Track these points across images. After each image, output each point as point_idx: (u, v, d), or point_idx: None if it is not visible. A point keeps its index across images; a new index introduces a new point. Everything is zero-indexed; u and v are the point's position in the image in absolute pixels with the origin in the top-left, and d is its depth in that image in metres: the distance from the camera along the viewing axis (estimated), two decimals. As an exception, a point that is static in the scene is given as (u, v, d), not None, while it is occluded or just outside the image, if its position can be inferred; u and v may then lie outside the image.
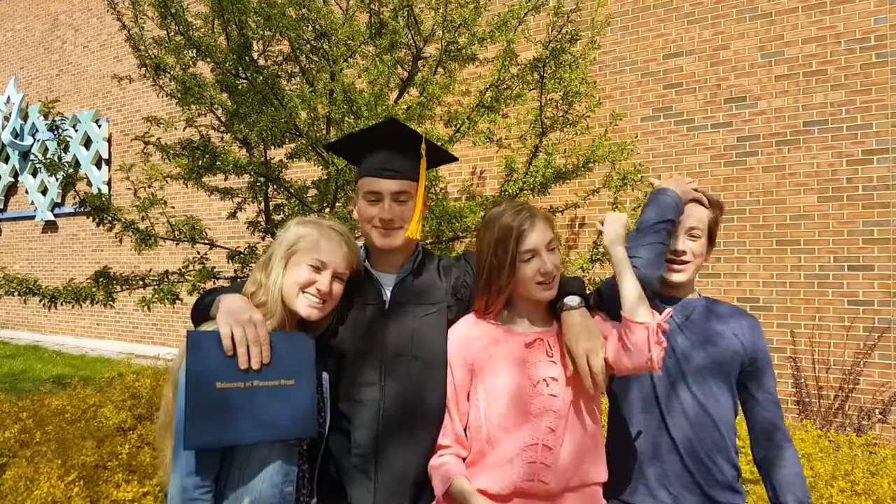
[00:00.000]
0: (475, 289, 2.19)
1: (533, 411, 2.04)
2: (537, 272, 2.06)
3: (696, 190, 2.30)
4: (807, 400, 6.46)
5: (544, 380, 2.07)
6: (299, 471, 2.03)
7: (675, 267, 2.24)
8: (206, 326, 1.96)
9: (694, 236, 2.26)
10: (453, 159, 2.52)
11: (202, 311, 2.05)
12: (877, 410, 6.15)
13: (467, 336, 2.16)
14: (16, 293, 4.60)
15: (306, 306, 2.04)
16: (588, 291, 2.25)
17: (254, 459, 1.91)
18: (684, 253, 2.23)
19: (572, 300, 2.10)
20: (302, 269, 2.04)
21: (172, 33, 4.66)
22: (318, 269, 2.05)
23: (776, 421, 2.23)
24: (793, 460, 2.20)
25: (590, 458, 2.11)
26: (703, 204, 2.29)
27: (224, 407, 1.84)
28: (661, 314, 2.00)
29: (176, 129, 5.10)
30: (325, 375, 2.14)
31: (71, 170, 4.80)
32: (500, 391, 2.06)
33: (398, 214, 2.19)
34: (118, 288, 4.86)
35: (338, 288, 2.09)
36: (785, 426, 2.26)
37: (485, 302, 2.14)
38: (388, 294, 2.24)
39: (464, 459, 2.11)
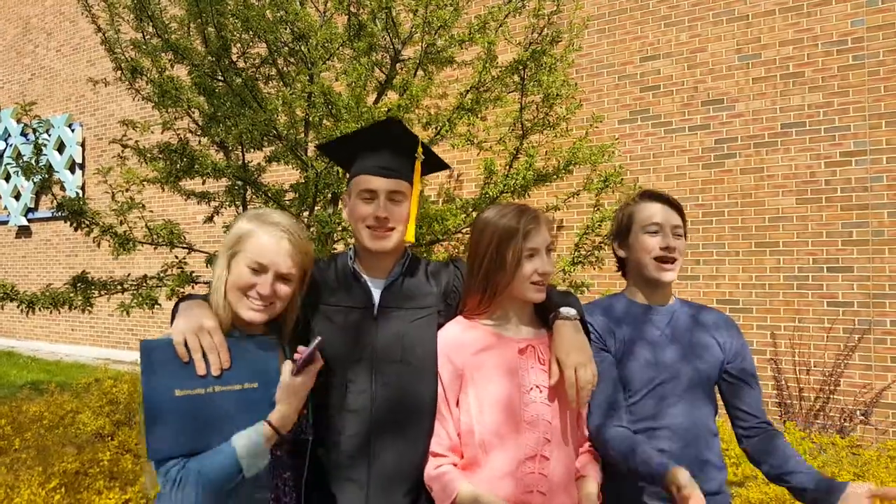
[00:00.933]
0: (467, 288, 2.16)
1: (527, 419, 2.02)
2: (535, 272, 2.06)
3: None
4: (788, 402, 6.50)
5: (537, 387, 2.05)
6: (280, 479, 1.98)
7: (667, 266, 2.23)
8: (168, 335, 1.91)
9: (678, 235, 2.25)
10: (447, 167, 2.52)
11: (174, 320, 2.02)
12: (858, 412, 6.20)
13: (458, 340, 2.12)
14: (-8, 299, 4.52)
15: (248, 310, 1.94)
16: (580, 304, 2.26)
17: None
18: (674, 250, 2.22)
19: (568, 311, 2.10)
20: (242, 270, 1.94)
21: (149, 36, 4.59)
22: (257, 270, 1.94)
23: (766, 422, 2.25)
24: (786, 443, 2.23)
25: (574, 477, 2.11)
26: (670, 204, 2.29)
27: (185, 414, 1.80)
28: (653, 324, 2.13)
29: (152, 132, 5.03)
30: None
31: (46, 174, 4.72)
32: (493, 398, 2.03)
33: (392, 214, 2.18)
34: (96, 293, 4.78)
35: (283, 289, 1.97)
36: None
37: (479, 300, 2.12)
38: (377, 298, 2.22)
39: (456, 464, 2.08)
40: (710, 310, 2.37)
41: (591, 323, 2.26)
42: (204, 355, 1.85)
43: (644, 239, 2.26)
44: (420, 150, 2.24)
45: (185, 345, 1.84)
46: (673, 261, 2.23)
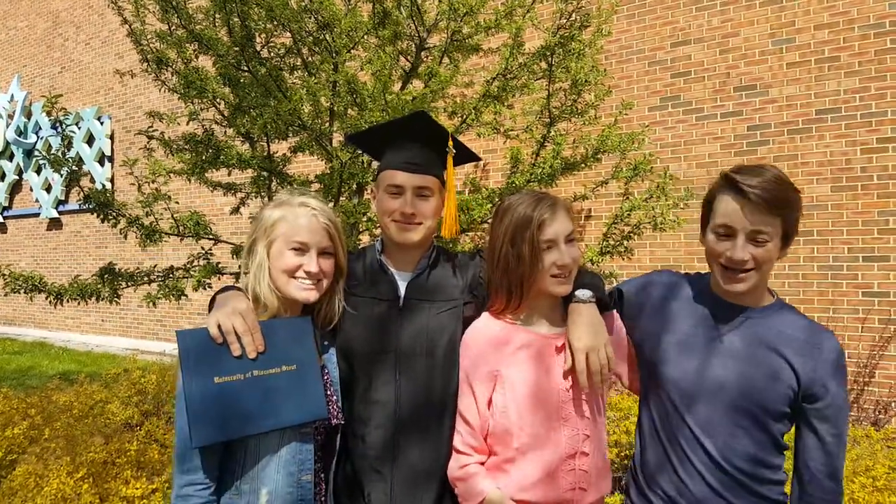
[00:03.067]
0: (489, 282, 2.10)
1: (564, 416, 1.97)
2: (553, 264, 1.97)
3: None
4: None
5: (576, 384, 1.99)
6: (320, 463, 2.00)
7: (736, 276, 1.87)
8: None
9: (760, 241, 1.83)
10: (477, 159, 2.48)
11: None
12: (894, 404, 6.06)
13: (489, 339, 2.05)
14: (22, 290, 4.60)
15: (301, 290, 1.99)
16: (608, 289, 2.16)
17: (265, 450, 1.89)
18: (744, 262, 1.84)
19: (583, 293, 2.02)
20: (285, 255, 1.98)
21: (174, 27, 4.59)
22: (300, 250, 1.99)
23: None
24: None
25: (605, 469, 2.09)
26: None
27: (226, 401, 1.82)
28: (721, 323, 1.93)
29: (178, 124, 5.04)
30: (329, 357, 2.10)
31: (74, 166, 4.75)
32: (530, 398, 1.97)
33: (419, 209, 2.16)
34: (123, 284, 4.82)
35: (327, 264, 2.03)
36: None
37: (506, 299, 2.03)
38: (403, 291, 2.21)
39: (482, 463, 2.04)
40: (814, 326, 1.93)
41: (628, 291, 2.13)
42: (239, 339, 1.87)
43: (711, 240, 1.91)
44: (451, 143, 2.20)
45: (219, 329, 1.86)
46: (745, 271, 1.85)
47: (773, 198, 1.78)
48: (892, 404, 6.08)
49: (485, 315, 2.11)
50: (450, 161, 2.22)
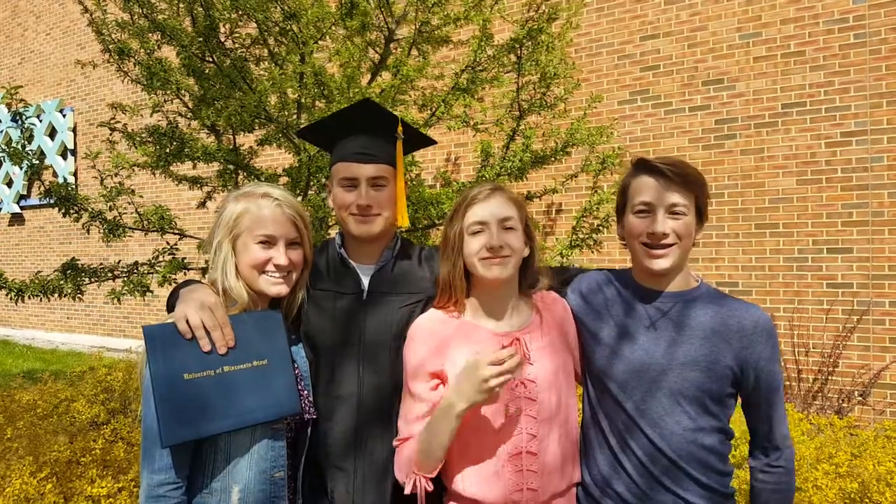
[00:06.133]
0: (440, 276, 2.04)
1: (511, 416, 1.90)
2: (483, 247, 1.90)
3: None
4: (786, 383, 6.46)
5: (522, 382, 1.92)
6: (292, 460, 1.97)
7: (657, 252, 1.90)
8: (169, 319, 1.87)
9: (676, 214, 1.89)
10: (431, 142, 2.42)
11: (171, 306, 1.97)
12: (856, 393, 6.17)
13: (433, 334, 1.98)
14: (-19, 287, 4.46)
15: (272, 285, 1.95)
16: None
17: (236, 448, 1.85)
18: (665, 235, 1.88)
19: None
20: (251, 249, 1.93)
21: (136, 16, 4.49)
22: (267, 243, 1.93)
23: None
24: None
25: (571, 459, 2.02)
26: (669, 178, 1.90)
27: (196, 398, 1.77)
28: (648, 310, 1.92)
29: (142, 116, 4.94)
30: (299, 351, 2.06)
31: (36, 160, 4.64)
32: None
33: (375, 201, 2.11)
34: (86, 280, 4.72)
35: (295, 255, 1.98)
36: None
37: (446, 293, 1.98)
38: (366, 284, 2.16)
39: None
40: (739, 305, 1.95)
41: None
42: (208, 334, 1.83)
43: (631, 220, 1.96)
44: (400, 129, 2.15)
45: (188, 323, 1.81)
46: (665, 246, 1.89)
47: (686, 173, 1.89)
48: (855, 393, 6.18)
49: (431, 309, 2.06)
50: (399, 147, 2.17)
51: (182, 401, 1.75)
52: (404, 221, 2.16)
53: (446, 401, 1.83)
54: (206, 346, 1.80)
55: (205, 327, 1.81)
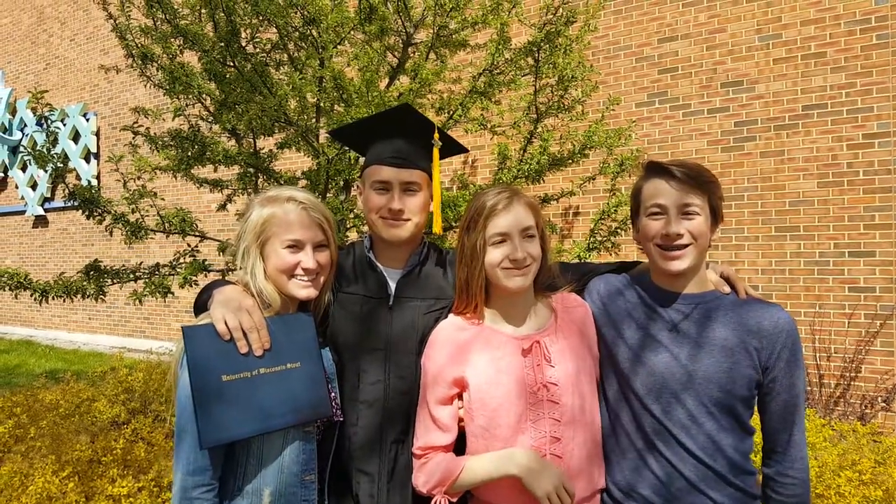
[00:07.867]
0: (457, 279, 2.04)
1: (533, 419, 1.90)
2: (505, 258, 1.91)
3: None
4: (808, 388, 6.40)
5: (545, 385, 1.92)
6: (321, 463, 1.98)
7: (673, 254, 1.91)
8: (202, 320, 1.89)
9: (689, 215, 1.91)
10: (464, 150, 2.42)
11: (201, 307, 1.99)
12: (879, 398, 6.09)
13: (454, 342, 1.99)
14: (6, 287, 4.56)
15: (301, 288, 1.96)
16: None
17: (268, 450, 1.86)
18: (680, 236, 1.89)
19: None
20: (280, 254, 1.94)
21: (159, 22, 4.55)
22: (295, 247, 1.95)
23: None
24: None
25: (597, 462, 2.01)
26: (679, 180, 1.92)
27: (234, 400, 1.78)
28: (670, 314, 1.92)
29: (164, 119, 5.00)
30: (325, 353, 2.06)
31: (60, 163, 4.71)
32: (497, 401, 1.91)
33: (407, 205, 2.11)
34: (109, 281, 4.78)
35: (323, 257, 2.00)
36: None
37: (464, 295, 1.99)
38: (393, 288, 2.16)
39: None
40: (760, 306, 1.95)
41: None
42: (245, 336, 1.84)
43: (645, 223, 1.97)
44: (437, 135, 2.16)
45: (226, 324, 1.83)
46: (681, 247, 1.90)
47: (697, 174, 1.91)
48: (879, 399, 6.11)
49: (451, 315, 2.06)
50: (436, 154, 2.17)
51: (220, 402, 1.76)
52: (437, 229, 2.17)
53: (514, 458, 1.85)
54: (243, 348, 1.82)
55: (242, 329, 1.83)
